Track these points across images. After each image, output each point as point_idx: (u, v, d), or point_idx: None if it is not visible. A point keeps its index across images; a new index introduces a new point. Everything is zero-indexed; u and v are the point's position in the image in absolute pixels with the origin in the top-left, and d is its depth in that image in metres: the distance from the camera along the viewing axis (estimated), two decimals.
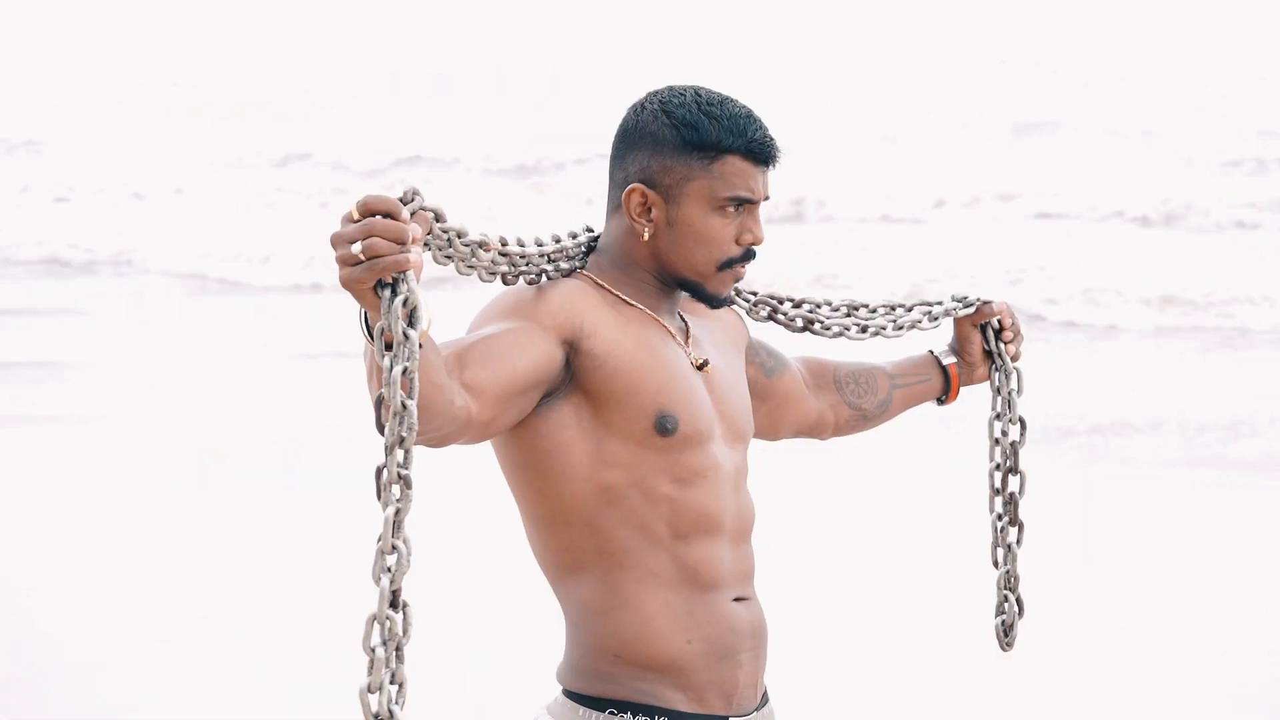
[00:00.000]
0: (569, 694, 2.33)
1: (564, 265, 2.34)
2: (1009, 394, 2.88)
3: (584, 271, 2.36)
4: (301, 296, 13.45)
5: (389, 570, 1.89)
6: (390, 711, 1.90)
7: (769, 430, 2.70)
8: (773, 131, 2.36)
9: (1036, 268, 13.29)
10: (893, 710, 4.94)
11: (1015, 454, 2.87)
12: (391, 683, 1.90)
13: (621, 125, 2.36)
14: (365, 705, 1.89)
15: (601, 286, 2.34)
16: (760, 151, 2.32)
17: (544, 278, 2.31)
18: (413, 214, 1.98)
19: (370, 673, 1.89)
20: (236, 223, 17.12)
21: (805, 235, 16.17)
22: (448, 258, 2.14)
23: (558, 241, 2.33)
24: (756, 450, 3.11)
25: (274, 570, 5.90)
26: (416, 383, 1.88)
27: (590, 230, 2.41)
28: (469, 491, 5.69)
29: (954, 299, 2.86)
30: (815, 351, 2.88)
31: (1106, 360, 10.64)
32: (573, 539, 2.29)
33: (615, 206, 2.36)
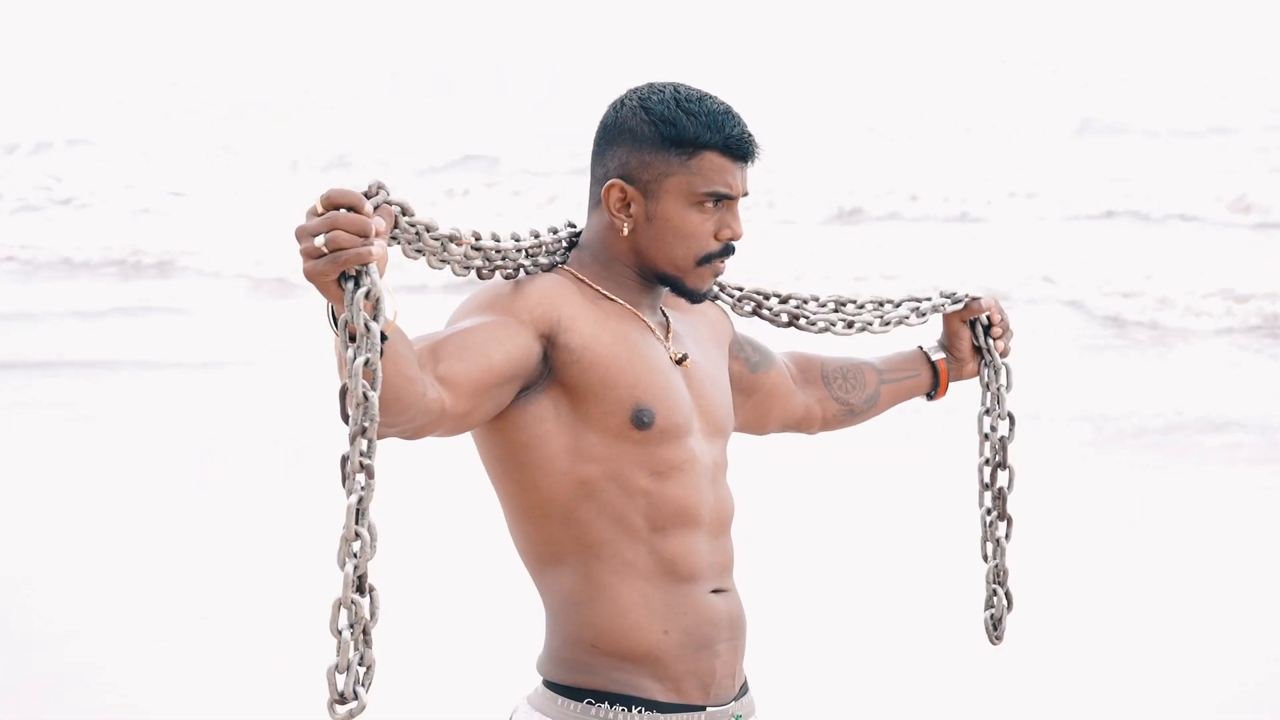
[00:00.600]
0: (548, 684, 2.35)
1: (543, 260, 2.36)
2: (998, 390, 2.88)
3: (565, 266, 2.38)
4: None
5: (354, 556, 1.92)
6: (355, 692, 1.94)
7: (756, 425, 2.72)
8: (751, 128, 2.38)
9: (1109, 268, 13.30)
10: (883, 702, 4.96)
11: (1004, 449, 2.88)
12: (360, 664, 1.94)
13: (602, 122, 2.38)
14: (331, 684, 1.93)
15: (582, 281, 2.36)
16: (738, 147, 2.34)
17: (521, 272, 2.33)
18: (376, 208, 2.00)
19: (338, 654, 1.92)
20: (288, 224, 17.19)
21: (862, 235, 16.21)
22: (418, 251, 2.16)
23: (536, 237, 2.36)
24: (748, 445, 3.12)
25: (274, 570, 5.91)
26: (379, 374, 1.91)
27: (572, 225, 2.44)
28: (453, 483, 5.71)
29: (942, 295, 2.86)
30: (804, 347, 2.90)
31: (1181, 359, 10.65)
32: (551, 531, 2.31)
33: (596, 202, 2.38)
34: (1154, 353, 10.83)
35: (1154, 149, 19.58)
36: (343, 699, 1.93)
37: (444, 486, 6.33)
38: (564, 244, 2.40)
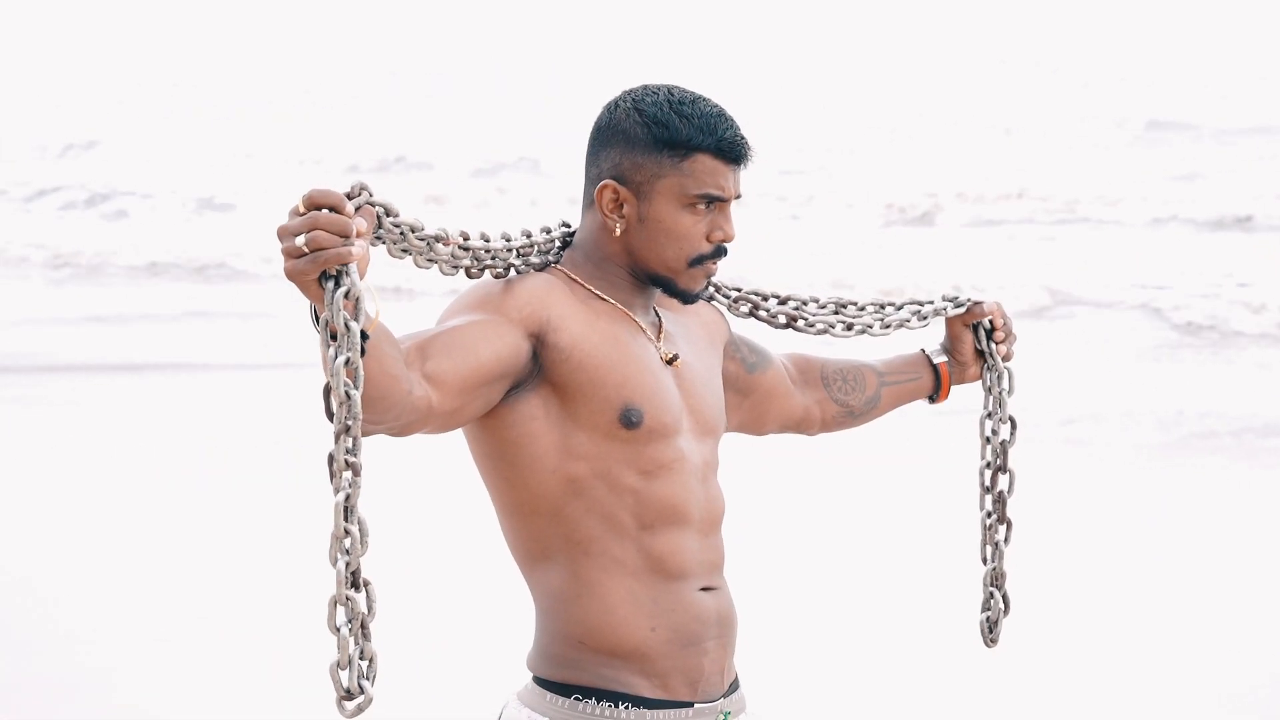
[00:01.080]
0: (538, 680, 2.38)
1: (535, 260, 2.38)
2: (1000, 394, 2.89)
3: (558, 266, 2.40)
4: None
5: (345, 553, 1.95)
6: (361, 686, 1.96)
7: (754, 425, 2.73)
8: (744, 130, 2.40)
9: (1181, 270, 13.25)
10: (877, 702, 4.97)
11: (1005, 453, 2.89)
12: (361, 658, 1.97)
13: (596, 123, 2.40)
14: (336, 681, 1.95)
15: (574, 281, 2.38)
16: (730, 150, 2.36)
17: (512, 271, 2.36)
18: (358, 208, 2.02)
19: (339, 651, 1.95)
20: None
21: (933, 239, 16.17)
22: (404, 251, 2.19)
23: (528, 236, 2.38)
24: (749, 446, 3.12)
25: (274, 570, 5.91)
26: (361, 372, 1.94)
27: (567, 225, 2.46)
28: (444, 481, 5.72)
29: (944, 298, 2.87)
30: (805, 348, 2.92)
31: (1252, 361, 10.61)
32: (541, 528, 2.34)
33: (589, 202, 2.40)
34: (1225, 355, 10.79)
35: (1222, 149, 19.40)
36: (349, 695, 1.96)
37: (436, 484, 6.34)
38: (557, 243, 2.42)
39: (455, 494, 5.45)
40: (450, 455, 2.89)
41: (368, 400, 2.02)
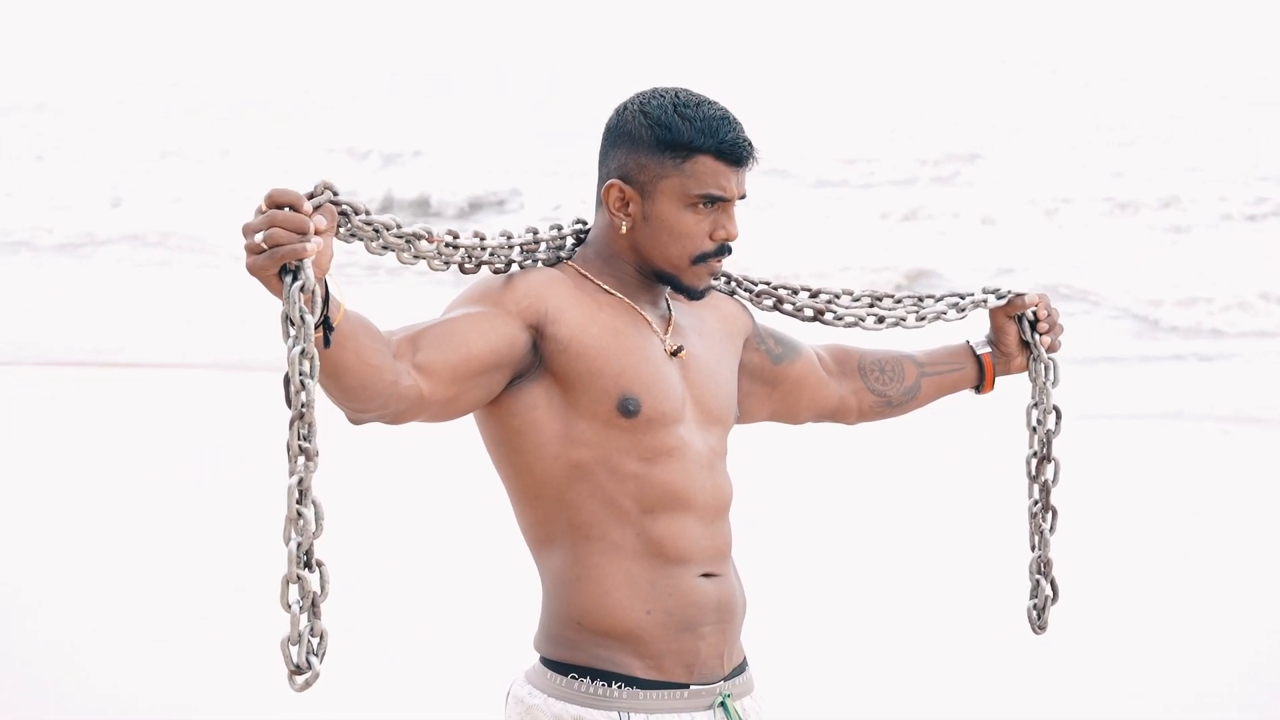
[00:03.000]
0: (542, 660, 2.48)
1: (542, 255, 2.49)
2: (1044, 384, 2.92)
3: (569, 262, 2.51)
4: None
5: (299, 533, 2.07)
6: (309, 662, 2.09)
7: (788, 414, 2.79)
8: (748, 133, 2.47)
9: None
10: (898, 692, 4.93)
11: (1049, 443, 2.93)
12: (312, 635, 2.09)
13: (606, 124, 2.51)
14: (286, 656, 2.09)
15: (583, 276, 2.49)
16: (731, 152, 2.44)
17: (514, 266, 2.46)
18: (317, 207, 2.13)
19: (290, 627, 2.08)
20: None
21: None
22: (384, 248, 2.29)
23: (534, 234, 2.48)
24: (792, 436, 3.06)
25: (274, 570, 5.85)
26: (316, 362, 2.06)
27: (583, 223, 2.56)
28: (468, 469, 5.72)
29: (985, 290, 2.90)
30: (846, 339, 2.95)
31: None
32: (545, 512, 2.44)
33: (599, 201, 2.51)
34: None
35: None
36: (298, 669, 2.09)
37: (457, 472, 6.32)
38: (570, 240, 2.52)
39: (478, 482, 5.48)
40: (467, 444, 2.90)
41: (349, 389, 2.17)
